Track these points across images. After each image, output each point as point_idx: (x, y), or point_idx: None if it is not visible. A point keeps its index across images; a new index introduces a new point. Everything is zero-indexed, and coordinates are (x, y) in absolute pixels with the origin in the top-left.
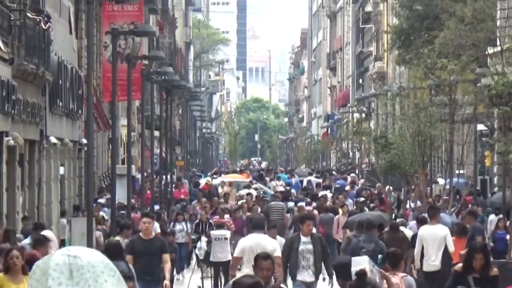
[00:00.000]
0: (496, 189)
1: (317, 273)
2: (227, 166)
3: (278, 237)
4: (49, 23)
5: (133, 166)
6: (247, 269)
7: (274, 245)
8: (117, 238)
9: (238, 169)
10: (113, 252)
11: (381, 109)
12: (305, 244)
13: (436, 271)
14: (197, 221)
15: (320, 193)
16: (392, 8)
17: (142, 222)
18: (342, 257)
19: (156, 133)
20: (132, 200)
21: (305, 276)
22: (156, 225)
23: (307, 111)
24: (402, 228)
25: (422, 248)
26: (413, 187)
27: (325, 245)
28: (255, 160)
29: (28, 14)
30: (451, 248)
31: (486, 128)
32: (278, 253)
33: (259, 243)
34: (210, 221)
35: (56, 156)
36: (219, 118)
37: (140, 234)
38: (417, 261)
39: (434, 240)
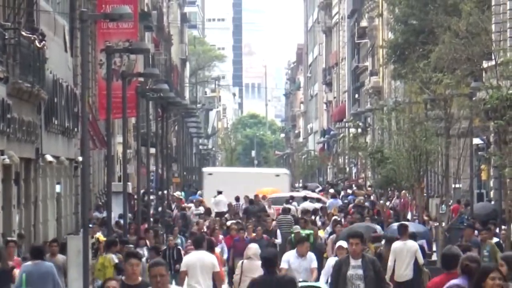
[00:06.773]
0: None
1: None
2: None
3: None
4: (43, 42)
5: (129, 184)
6: (192, 281)
7: (213, 260)
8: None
9: None
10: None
11: (377, 124)
12: (355, 269)
13: (408, 280)
14: None
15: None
16: (387, 23)
17: (128, 264)
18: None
19: (152, 150)
20: None
21: None
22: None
23: (304, 126)
24: None
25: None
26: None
27: (379, 270)
28: None
29: (23, 33)
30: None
31: (482, 142)
32: (217, 268)
33: (200, 258)
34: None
35: (52, 174)
36: (216, 135)
37: (123, 278)
38: (390, 272)
39: (406, 255)
